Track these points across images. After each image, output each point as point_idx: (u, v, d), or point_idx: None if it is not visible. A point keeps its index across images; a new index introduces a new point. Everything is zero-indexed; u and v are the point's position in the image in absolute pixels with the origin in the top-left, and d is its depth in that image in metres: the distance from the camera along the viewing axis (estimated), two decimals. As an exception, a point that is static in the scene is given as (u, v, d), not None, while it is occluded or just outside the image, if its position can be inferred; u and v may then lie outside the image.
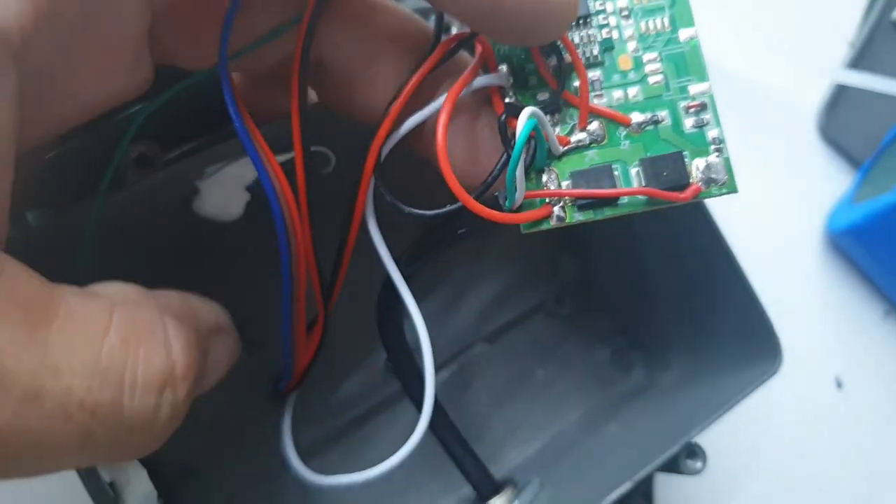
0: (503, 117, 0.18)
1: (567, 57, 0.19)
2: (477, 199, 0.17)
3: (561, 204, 0.18)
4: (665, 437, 0.24)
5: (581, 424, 0.30)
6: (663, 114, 0.19)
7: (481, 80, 0.18)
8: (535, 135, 0.18)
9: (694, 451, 0.25)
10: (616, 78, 0.19)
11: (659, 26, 0.19)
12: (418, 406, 0.22)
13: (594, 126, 0.19)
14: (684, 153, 0.19)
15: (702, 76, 0.19)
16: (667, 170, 0.18)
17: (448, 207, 0.18)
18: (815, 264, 0.41)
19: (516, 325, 0.31)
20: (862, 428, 0.39)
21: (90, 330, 0.14)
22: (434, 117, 0.18)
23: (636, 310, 0.31)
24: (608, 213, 0.18)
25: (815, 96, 0.42)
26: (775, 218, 0.41)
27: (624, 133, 0.19)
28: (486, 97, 0.19)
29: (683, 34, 0.19)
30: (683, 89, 0.19)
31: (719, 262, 0.26)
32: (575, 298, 0.32)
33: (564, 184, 0.18)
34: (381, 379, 0.28)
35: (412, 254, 0.21)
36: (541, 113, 0.17)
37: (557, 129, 0.19)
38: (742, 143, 0.41)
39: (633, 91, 0.19)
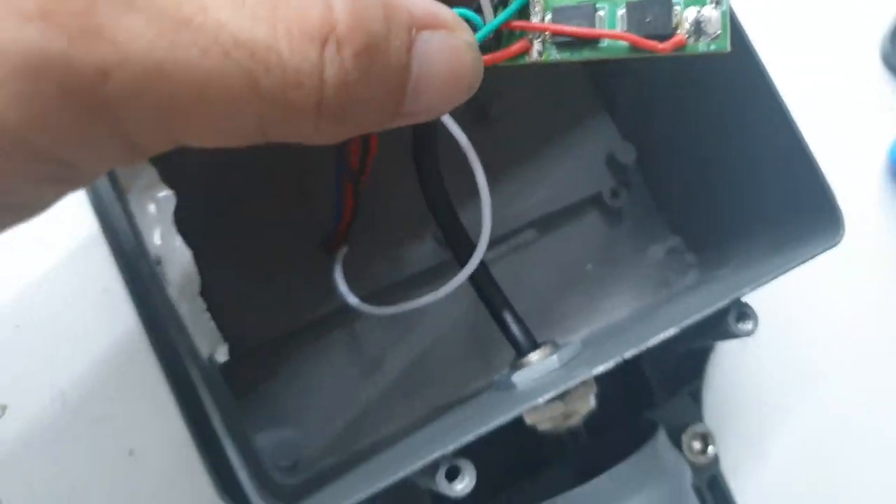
0: None
1: None
2: None
3: (541, 39, 0.18)
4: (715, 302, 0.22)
5: (631, 318, 0.29)
6: None
7: None
8: None
9: (745, 313, 0.23)
10: None
11: None
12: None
13: None
14: (676, 0, 0.17)
15: None
16: (651, 15, 0.17)
17: None
18: (877, 199, 0.39)
19: (568, 215, 0.30)
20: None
21: None
22: None
23: (694, 205, 0.30)
24: (586, 54, 0.18)
25: (880, 22, 0.40)
26: (833, 150, 0.39)
27: None
28: None
29: None
30: None
31: (782, 138, 0.25)
32: (631, 192, 0.30)
33: (547, 18, 0.18)
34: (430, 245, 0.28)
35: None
36: None
37: None
38: (798, 68, 0.39)
39: None
